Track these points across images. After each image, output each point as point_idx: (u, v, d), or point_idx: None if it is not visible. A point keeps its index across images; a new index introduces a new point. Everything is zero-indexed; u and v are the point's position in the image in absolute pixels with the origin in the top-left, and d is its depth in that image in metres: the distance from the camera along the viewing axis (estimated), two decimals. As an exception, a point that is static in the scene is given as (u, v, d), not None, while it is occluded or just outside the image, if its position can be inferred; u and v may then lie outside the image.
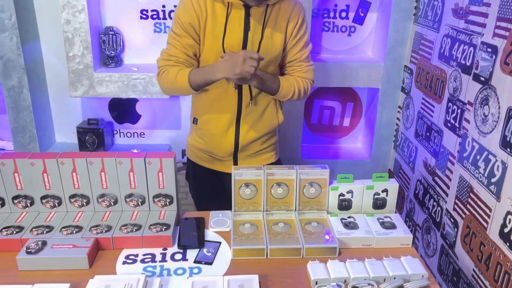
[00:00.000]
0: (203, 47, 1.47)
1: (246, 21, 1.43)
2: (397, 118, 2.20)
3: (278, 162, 1.70)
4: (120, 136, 2.38)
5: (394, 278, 1.09)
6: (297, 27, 1.48)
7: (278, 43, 1.48)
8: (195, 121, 1.63)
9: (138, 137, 2.39)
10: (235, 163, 1.61)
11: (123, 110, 2.31)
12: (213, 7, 1.42)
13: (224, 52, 1.44)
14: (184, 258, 1.19)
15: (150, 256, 1.19)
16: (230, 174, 1.57)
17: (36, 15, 2.07)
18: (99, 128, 2.19)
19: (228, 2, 1.40)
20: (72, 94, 2.02)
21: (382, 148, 2.28)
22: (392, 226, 1.30)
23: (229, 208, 1.41)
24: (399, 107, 2.18)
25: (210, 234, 1.30)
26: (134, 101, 2.29)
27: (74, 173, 1.28)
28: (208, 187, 1.72)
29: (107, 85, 2.01)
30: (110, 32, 2.08)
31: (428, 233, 1.81)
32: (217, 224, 1.34)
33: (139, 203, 1.33)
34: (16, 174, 1.26)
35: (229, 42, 1.44)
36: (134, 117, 2.34)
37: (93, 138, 2.21)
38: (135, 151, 2.30)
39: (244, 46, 1.45)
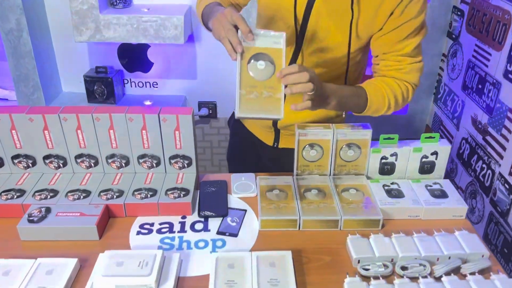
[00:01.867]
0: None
1: None
2: (440, 68, 1.99)
3: None
4: (131, 86, 2.23)
5: (449, 257, 0.96)
6: (404, 2, 1.04)
7: (365, 23, 1.07)
8: None
9: (150, 87, 2.23)
10: (276, 137, 1.37)
11: (134, 57, 2.14)
12: None
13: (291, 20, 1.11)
14: (205, 228, 1.07)
15: (167, 225, 1.08)
16: (269, 147, 1.39)
17: None
18: (108, 77, 2.04)
19: None
20: (76, 38, 1.86)
21: (420, 101, 2.09)
22: (443, 195, 1.15)
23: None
24: (444, 55, 1.96)
25: (234, 200, 1.18)
26: (145, 47, 2.11)
27: (79, 131, 1.14)
28: (243, 149, 1.52)
29: (115, 29, 1.84)
30: (117, -33, 1.87)
31: (473, 197, 1.66)
32: (240, 189, 1.21)
33: (154, 165, 1.20)
34: (14, 131, 1.14)
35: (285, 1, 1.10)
36: (145, 65, 2.17)
37: (102, 88, 2.06)
38: (148, 102, 2.16)
39: (304, 21, 1.10)
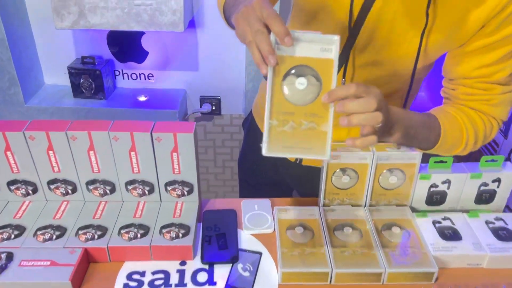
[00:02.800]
0: None
1: None
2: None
3: None
4: (123, 78, 1.99)
5: (531, 331, 0.74)
6: (504, 14, 0.77)
7: (442, 34, 0.82)
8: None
9: (145, 79, 1.99)
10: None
11: (126, 45, 1.89)
12: None
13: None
14: (211, 281, 0.86)
15: (162, 275, 0.87)
16: (291, 163, 1.16)
17: None
18: (96, 69, 1.80)
19: None
20: (57, 25, 1.61)
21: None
22: (510, 236, 0.93)
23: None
24: None
25: (245, 237, 0.96)
26: (139, 33, 1.87)
27: (50, 152, 0.92)
28: (256, 158, 1.30)
29: (102, 14, 1.59)
30: None
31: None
32: (254, 222, 0.99)
33: (146, 192, 0.98)
34: (-33, 152, 0.91)
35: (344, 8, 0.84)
36: (139, 54, 1.92)
37: (89, 81, 1.83)
38: (142, 98, 1.92)
39: (364, 15, 0.83)
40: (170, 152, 0.92)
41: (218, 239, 0.94)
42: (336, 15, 0.87)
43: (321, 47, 0.67)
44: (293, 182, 1.26)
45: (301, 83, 0.68)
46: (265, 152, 0.71)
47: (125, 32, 1.82)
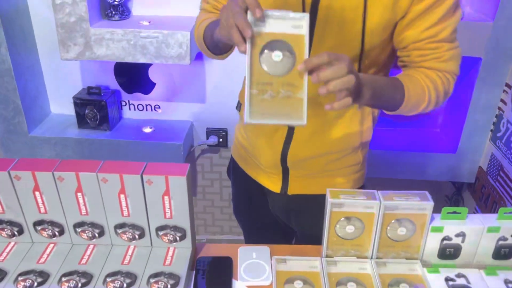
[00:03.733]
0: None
1: None
2: (502, 101, 1.68)
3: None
4: (129, 109, 1.98)
5: None
6: None
7: (379, 6, 0.90)
8: (238, 106, 1.21)
9: (152, 110, 1.98)
10: (285, 181, 1.14)
11: (133, 76, 1.89)
12: None
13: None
14: None
15: (146, 331, 0.81)
16: (276, 195, 1.16)
17: None
18: (102, 100, 1.79)
19: None
20: (62, 56, 1.61)
21: (474, 139, 1.78)
22: (532, 298, 0.85)
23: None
24: (507, 85, 1.65)
25: (240, 289, 0.90)
26: (146, 65, 1.86)
27: (37, 192, 0.88)
28: (248, 201, 1.30)
29: (107, 45, 1.58)
30: (114, -28, 1.62)
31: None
32: (250, 273, 0.93)
33: (136, 237, 0.94)
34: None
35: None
36: (147, 85, 1.91)
37: (94, 112, 1.81)
38: (148, 129, 1.90)
39: (314, 8, 0.91)
40: (162, 196, 0.88)
41: (210, 291, 0.88)
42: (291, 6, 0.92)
43: (292, 24, 0.76)
44: (285, 216, 1.22)
45: (277, 55, 0.77)
46: (247, 119, 0.76)
47: (132, 63, 1.81)
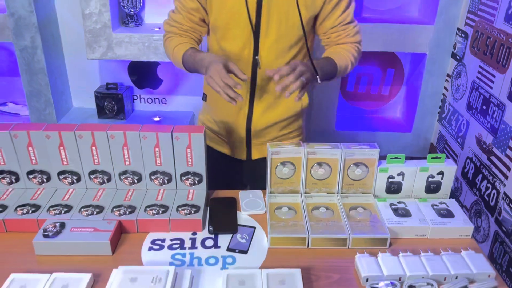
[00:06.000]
0: (212, 9, 1.28)
1: None
2: (445, 88, 2.02)
3: None
4: (140, 102, 2.27)
5: (456, 277, 0.97)
6: None
7: (306, 4, 1.23)
8: (204, 97, 1.49)
9: (159, 103, 2.27)
10: (248, 150, 1.46)
11: (144, 74, 2.18)
12: None
13: (245, 14, 1.23)
14: (216, 245, 1.09)
15: (178, 241, 1.10)
16: (244, 162, 1.48)
17: (49, -32, 1.92)
18: (119, 93, 2.08)
19: None
20: (89, 56, 1.90)
21: (425, 120, 2.11)
22: (449, 214, 1.16)
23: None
24: (448, 75, 1.99)
25: (243, 217, 1.19)
26: (155, 64, 2.15)
27: (93, 148, 1.17)
28: (221, 174, 1.56)
29: (126, 47, 1.88)
30: (129, -12, 1.92)
31: (478, 216, 1.67)
32: (249, 206, 1.23)
33: (165, 181, 1.22)
34: (30, 148, 1.16)
35: (236, 4, 1.22)
36: (155, 82, 2.21)
37: (112, 104, 2.10)
38: (157, 118, 2.19)
39: (259, 10, 1.22)
40: (185, 148, 1.17)
41: (221, 216, 1.17)
42: (240, 24, 1.25)
43: None
44: (252, 180, 1.52)
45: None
46: None
47: (144, 63, 2.10)
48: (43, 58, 1.91)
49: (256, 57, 1.28)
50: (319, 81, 1.23)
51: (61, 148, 1.17)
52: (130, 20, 1.96)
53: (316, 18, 1.30)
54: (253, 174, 1.50)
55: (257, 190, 1.29)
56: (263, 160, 1.36)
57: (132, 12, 1.94)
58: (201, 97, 2.24)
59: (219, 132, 1.47)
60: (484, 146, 1.64)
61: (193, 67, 1.30)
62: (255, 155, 1.46)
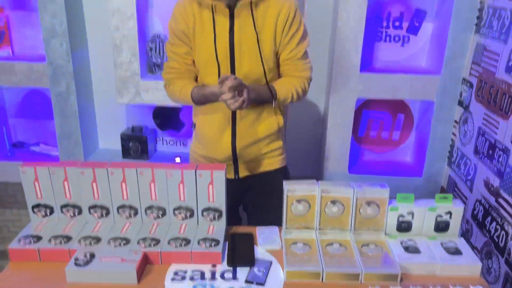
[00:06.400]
0: (195, 52, 1.47)
1: (230, 23, 1.41)
2: (453, 133, 2.09)
3: (284, 169, 1.64)
4: (162, 144, 2.38)
5: (465, 312, 1.00)
6: (288, 23, 1.43)
7: (267, 42, 1.43)
8: (193, 125, 1.63)
9: (180, 145, 2.38)
10: (236, 169, 1.57)
11: (167, 118, 2.31)
12: (200, 12, 1.43)
13: (216, 56, 1.43)
14: (234, 277, 1.14)
15: (199, 273, 1.15)
16: (233, 181, 1.58)
17: (85, 22, 2.10)
18: (144, 136, 2.20)
19: (212, 5, 1.40)
20: (118, 100, 2.03)
21: (435, 164, 2.17)
22: (457, 252, 1.21)
23: (237, 218, 1.60)
24: (456, 121, 2.07)
25: (260, 251, 1.25)
26: (178, 109, 2.28)
27: (123, 183, 1.26)
28: None
29: (153, 93, 2.01)
30: (157, 39, 2.08)
31: (488, 258, 1.69)
32: (266, 241, 1.29)
33: (187, 216, 1.30)
34: (65, 183, 1.26)
35: (219, 45, 1.43)
36: (178, 125, 2.33)
37: (136, 145, 2.21)
38: (178, 159, 2.29)
39: (231, 49, 1.42)
40: (207, 185, 1.25)
41: (240, 250, 1.23)
42: (216, 62, 1.43)
43: None
44: (240, 197, 1.63)
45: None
46: None
47: (168, 108, 2.24)
48: (76, 103, 2.05)
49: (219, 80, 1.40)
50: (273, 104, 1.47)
51: (94, 183, 1.26)
52: (157, 69, 2.12)
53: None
54: (242, 192, 1.63)
55: (274, 226, 1.36)
56: (250, 178, 1.58)
57: (159, 62, 2.10)
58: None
59: (207, 155, 1.58)
60: (492, 188, 1.69)
61: (205, 100, 1.46)
62: (242, 173, 1.58)
